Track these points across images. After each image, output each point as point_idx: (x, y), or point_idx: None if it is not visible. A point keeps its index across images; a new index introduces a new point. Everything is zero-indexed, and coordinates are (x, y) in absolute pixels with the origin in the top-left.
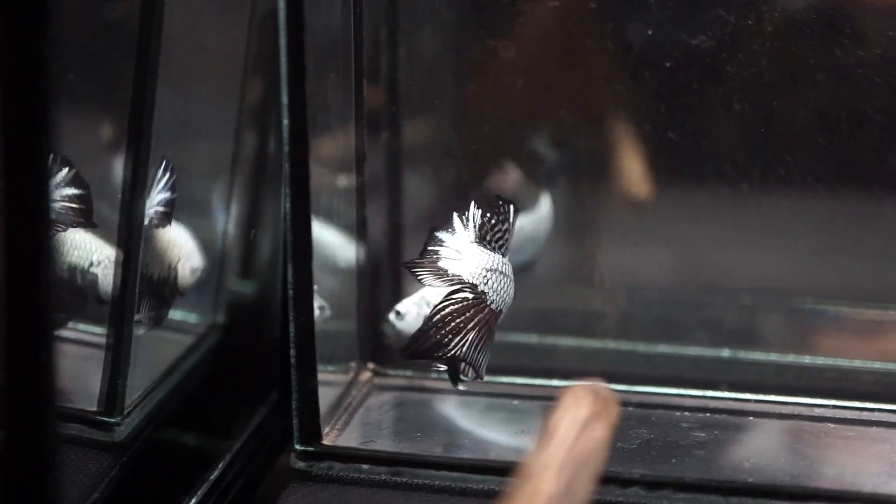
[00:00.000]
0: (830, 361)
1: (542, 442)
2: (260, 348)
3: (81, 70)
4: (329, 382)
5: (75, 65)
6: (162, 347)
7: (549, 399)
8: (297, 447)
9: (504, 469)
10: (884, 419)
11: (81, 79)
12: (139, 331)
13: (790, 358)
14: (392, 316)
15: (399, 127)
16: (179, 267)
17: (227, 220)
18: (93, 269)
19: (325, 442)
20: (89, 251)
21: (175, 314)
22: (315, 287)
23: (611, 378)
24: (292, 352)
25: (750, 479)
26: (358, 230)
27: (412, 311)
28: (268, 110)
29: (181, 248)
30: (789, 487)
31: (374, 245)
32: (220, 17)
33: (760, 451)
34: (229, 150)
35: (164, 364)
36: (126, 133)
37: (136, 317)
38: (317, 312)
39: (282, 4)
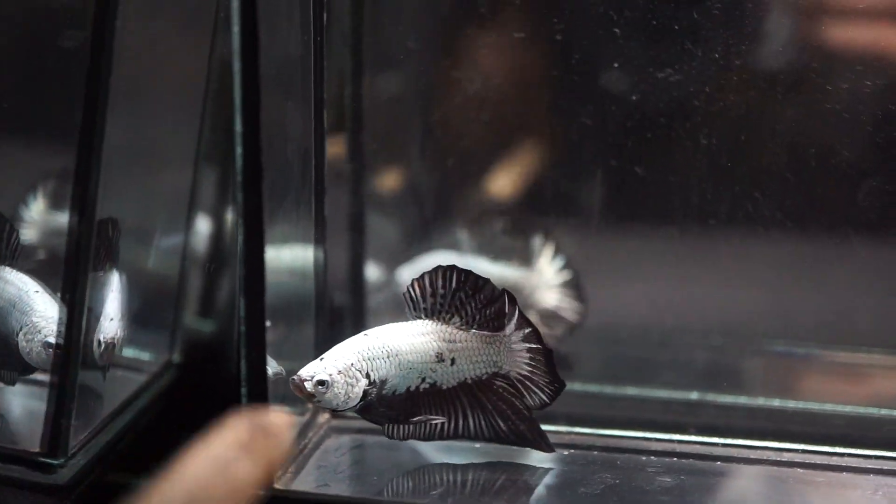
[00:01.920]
0: (801, 405)
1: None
2: (219, 387)
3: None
4: None
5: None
6: (112, 386)
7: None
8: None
9: None
10: (854, 464)
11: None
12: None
13: (760, 401)
14: (312, 386)
15: (363, 160)
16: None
17: (184, 257)
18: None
19: (277, 486)
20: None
21: (127, 352)
22: (268, 323)
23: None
24: (243, 389)
25: None
26: (315, 267)
27: (339, 381)
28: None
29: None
30: None
31: (333, 285)
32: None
33: (730, 498)
34: (188, 181)
35: (114, 403)
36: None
37: None
38: (271, 372)
39: (236, 30)
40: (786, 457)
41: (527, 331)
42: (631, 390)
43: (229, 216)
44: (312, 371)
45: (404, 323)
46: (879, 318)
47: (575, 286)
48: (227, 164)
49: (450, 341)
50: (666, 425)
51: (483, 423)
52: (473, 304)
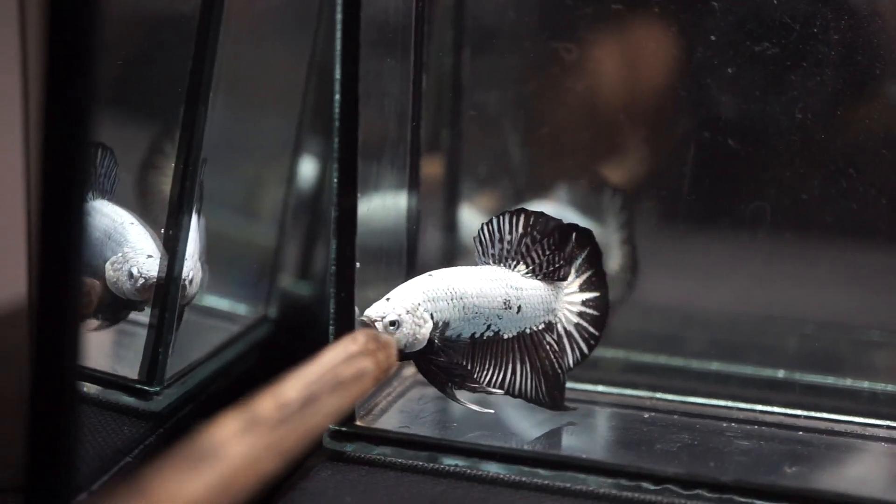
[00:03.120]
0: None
1: (307, 362)
2: (311, 344)
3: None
4: None
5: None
6: (208, 333)
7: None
8: (330, 427)
9: (535, 459)
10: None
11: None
12: None
13: None
14: (383, 326)
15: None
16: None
17: (282, 221)
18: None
19: (358, 423)
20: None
21: (222, 304)
22: (357, 265)
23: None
24: (331, 328)
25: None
26: (408, 225)
27: (407, 321)
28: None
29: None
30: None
31: (424, 241)
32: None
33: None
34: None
35: (207, 348)
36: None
37: None
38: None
39: None
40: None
41: (589, 274)
42: None
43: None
44: (382, 311)
45: (472, 267)
46: None
47: (631, 247)
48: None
49: (517, 288)
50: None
51: (528, 379)
52: (541, 250)
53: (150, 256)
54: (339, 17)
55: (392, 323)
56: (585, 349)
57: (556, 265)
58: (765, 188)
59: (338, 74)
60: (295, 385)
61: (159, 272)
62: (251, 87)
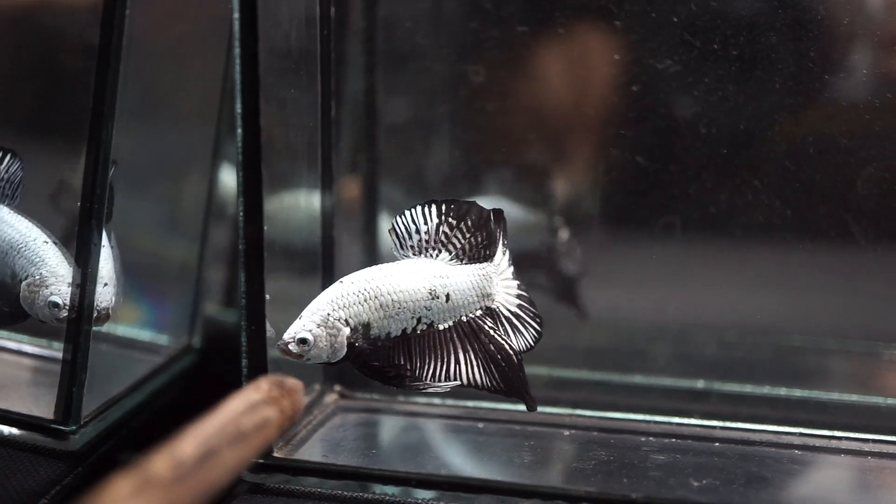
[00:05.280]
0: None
1: (206, 414)
2: (237, 374)
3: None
4: None
5: None
6: (128, 366)
7: (512, 423)
8: None
9: (453, 483)
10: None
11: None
12: None
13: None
14: (296, 346)
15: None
16: None
17: (202, 245)
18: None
19: (276, 454)
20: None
21: (144, 335)
22: (267, 297)
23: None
24: (244, 361)
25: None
26: (323, 252)
27: (320, 334)
28: None
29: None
30: None
31: (341, 267)
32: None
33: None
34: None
35: (128, 381)
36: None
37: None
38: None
39: (236, 16)
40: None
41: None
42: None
43: None
44: (293, 332)
45: (389, 264)
46: None
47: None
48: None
49: (441, 276)
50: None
51: (475, 367)
52: (460, 234)
53: (70, 284)
54: (236, 50)
55: (303, 341)
56: (537, 327)
57: (479, 246)
58: (674, 202)
59: (239, 108)
60: (192, 440)
61: (65, 298)
62: (164, 109)
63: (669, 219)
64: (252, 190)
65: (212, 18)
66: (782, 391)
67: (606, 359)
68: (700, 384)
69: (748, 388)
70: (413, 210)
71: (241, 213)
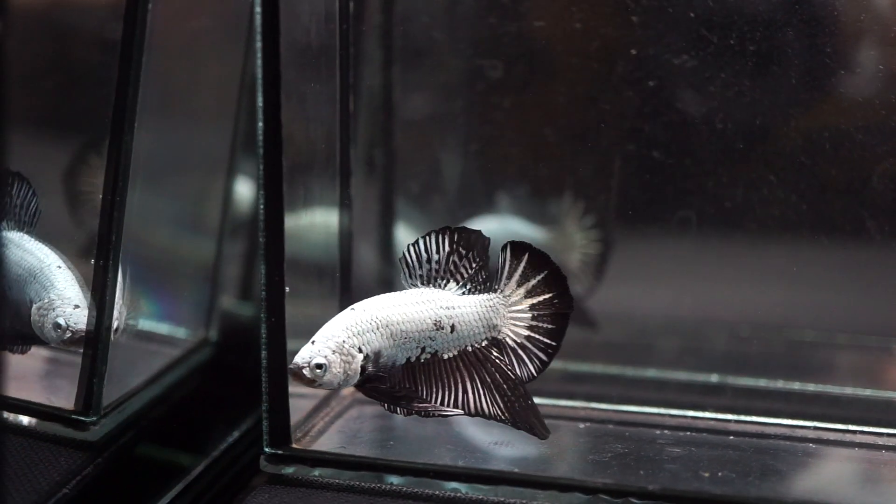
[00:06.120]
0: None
1: None
2: (254, 366)
3: None
4: (304, 394)
5: None
6: (147, 359)
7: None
8: (267, 450)
9: (469, 475)
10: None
11: None
12: None
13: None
14: (310, 371)
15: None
16: None
17: (220, 240)
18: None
19: (294, 445)
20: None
21: (161, 328)
22: (287, 289)
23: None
24: (263, 353)
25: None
26: (341, 244)
27: (335, 361)
28: None
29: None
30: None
31: (358, 262)
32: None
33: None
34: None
35: (147, 374)
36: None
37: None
38: None
39: (258, 10)
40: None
41: (532, 282)
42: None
43: None
44: (308, 356)
45: (397, 293)
46: None
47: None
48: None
49: (447, 307)
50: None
51: (482, 397)
52: (468, 265)
53: (77, 307)
54: (258, 44)
55: (318, 366)
56: (545, 358)
57: (485, 278)
58: (690, 197)
59: (260, 102)
60: None
61: (69, 318)
62: (183, 105)
63: (685, 213)
64: (273, 182)
65: (230, 13)
66: (796, 385)
67: (621, 353)
68: (714, 378)
69: (762, 383)
70: (427, 238)
71: (262, 205)
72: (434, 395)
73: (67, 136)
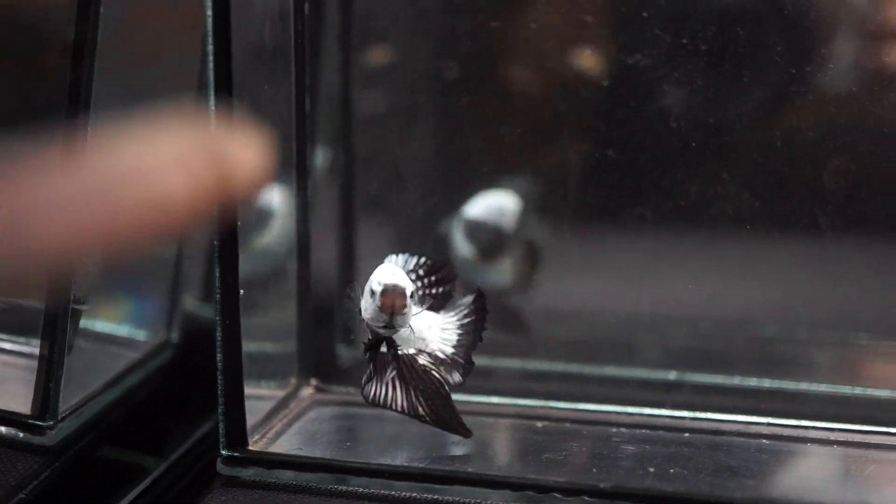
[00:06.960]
0: None
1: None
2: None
3: None
4: (262, 396)
5: None
6: (105, 361)
7: (490, 415)
8: (223, 452)
9: (425, 475)
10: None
11: None
12: None
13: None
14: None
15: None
16: None
17: (182, 243)
18: None
19: (251, 448)
20: None
21: (122, 330)
22: (241, 292)
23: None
24: (219, 356)
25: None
26: (299, 244)
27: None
28: None
29: None
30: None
31: (317, 264)
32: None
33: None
34: None
35: (108, 376)
36: None
37: None
38: None
39: (208, 12)
40: None
41: (471, 317)
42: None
43: None
44: (404, 282)
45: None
46: None
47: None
48: None
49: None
50: None
51: (407, 397)
52: (423, 283)
53: None
54: (209, 47)
55: (411, 295)
56: (461, 373)
57: (437, 296)
58: (645, 195)
59: (212, 105)
60: None
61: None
62: (140, 106)
63: (640, 210)
64: None
65: (187, 14)
66: (753, 381)
67: (579, 351)
68: (672, 375)
69: (720, 379)
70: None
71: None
72: (402, 392)
73: (20, 137)
